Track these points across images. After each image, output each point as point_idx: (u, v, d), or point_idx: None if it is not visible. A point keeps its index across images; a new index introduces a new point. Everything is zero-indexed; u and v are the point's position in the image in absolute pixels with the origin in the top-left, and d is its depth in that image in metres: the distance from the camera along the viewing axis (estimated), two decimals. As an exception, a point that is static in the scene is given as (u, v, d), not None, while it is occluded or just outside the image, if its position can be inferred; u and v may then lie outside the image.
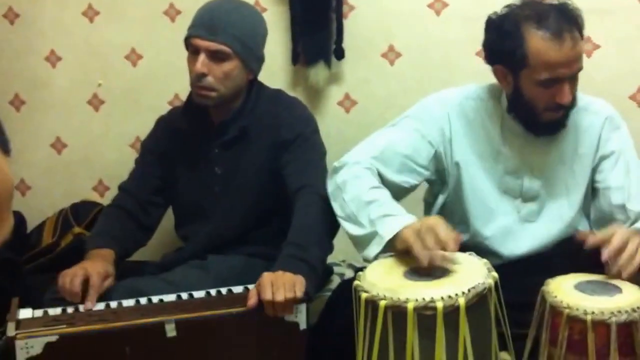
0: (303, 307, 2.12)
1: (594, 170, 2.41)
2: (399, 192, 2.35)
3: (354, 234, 2.20)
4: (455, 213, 2.45)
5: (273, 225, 2.58)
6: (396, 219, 2.10)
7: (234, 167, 2.57)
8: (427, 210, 2.59)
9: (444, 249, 1.93)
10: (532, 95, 2.26)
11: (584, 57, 2.85)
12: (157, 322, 2.05)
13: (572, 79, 2.25)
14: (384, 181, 2.32)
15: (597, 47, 3.05)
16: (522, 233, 2.41)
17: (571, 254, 2.31)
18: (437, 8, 3.16)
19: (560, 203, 2.41)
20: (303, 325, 2.14)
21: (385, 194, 2.24)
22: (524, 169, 2.40)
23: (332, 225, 2.38)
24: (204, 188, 2.61)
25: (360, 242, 2.17)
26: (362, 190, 2.23)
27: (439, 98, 2.47)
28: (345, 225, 2.24)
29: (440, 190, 2.50)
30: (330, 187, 2.34)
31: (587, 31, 2.83)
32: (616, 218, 2.32)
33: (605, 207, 2.37)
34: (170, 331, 2.05)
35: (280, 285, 2.06)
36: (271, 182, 2.55)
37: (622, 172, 2.36)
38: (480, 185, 2.42)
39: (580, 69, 2.25)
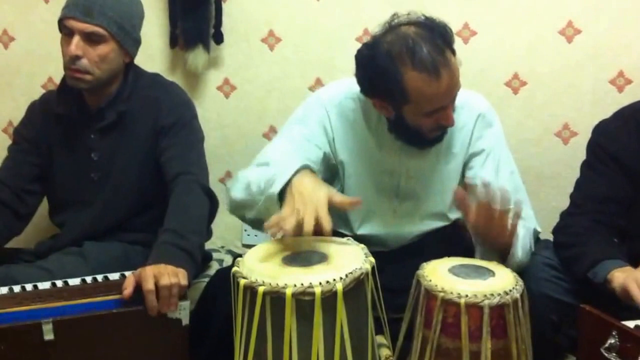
0: (187, 304, 2.13)
1: (465, 167, 2.47)
2: None
3: (256, 218, 2.20)
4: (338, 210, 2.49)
5: (152, 212, 2.58)
6: (280, 176, 2.08)
7: (112, 153, 2.56)
8: None
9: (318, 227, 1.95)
10: (416, 123, 2.29)
11: (462, 42, 2.98)
12: (34, 323, 2.00)
13: (453, 101, 2.29)
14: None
15: (473, 33, 3.13)
16: (398, 231, 2.49)
17: (445, 239, 2.44)
18: (317, -8, 3.18)
19: (435, 201, 2.48)
20: (186, 321, 2.14)
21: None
22: (400, 170, 2.45)
23: (210, 211, 2.42)
24: (80, 174, 2.59)
25: (263, 214, 2.13)
26: (248, 177, 2.23)
27: (319, 98, 2.49)
28: (250, 216, 2.24)
29: (330, 182, 2.50)
30: (227, 206, 2.33)
31: (464, 18, 2.95)
32: None
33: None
34: (48, 333, 2.01)
35: (164, 272, 2.06)
36: (150, 168, 2.55)
37: (491, 170, 2.42)
38: (359, 185, 2.47)
39: (458, 89, 2.27)
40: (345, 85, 2.48)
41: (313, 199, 1.98)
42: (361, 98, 2.43)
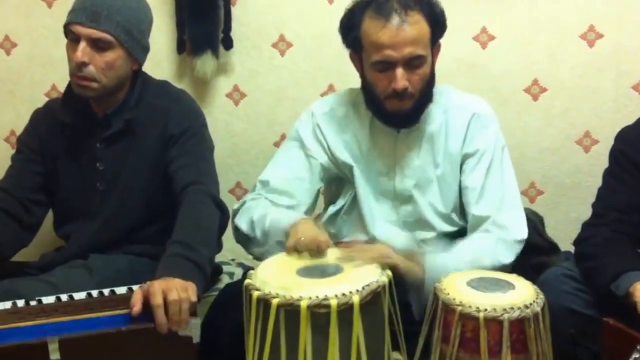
0: (197, 321, 2.12)
1: (461, 169, 2.49)
2: (302, 210, 2.49)
3: (260, 252, 2.37)
4: (352, 214, 2.55)
5: (160, 224, 2.58)
6: (284, 220, 2.26)
7: (118, 162, 2.56)
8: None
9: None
10: (371, 80, 2.37)
11: (480, 47, 2.99)
12: (39, 342, 1.97)
13: (409, 66, 2.32)
14: (285, 207, 2.45)
15: (492, 38, 3.14)
16: (407, 228, 2.50)
17: None
18: (330, -4, 3.18)
19: (435, 201, 2.49)
20: (197, 339, 2.12)
21: (273, 208, 2.42)
22: (395, 169, 2.48)
23: (220, 223, 2.44)
24: (86, 185, 2.59)
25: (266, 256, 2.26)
26: (253, 214, 2.40)
27: (308, 110, 2.60)
28: (254, 251, 2.42)
29: (340, 193, 2.58)
30: (233, 230, 2.50)
31: (482, 22, 2.96)
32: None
33: (466, 208, 2.46)
34: (54, 352, 1.98)
35: (172, 287, 2.04)
36: (158, 179, 2.56)
37: (480, 175, 2.44)
38: (363, 188, 2.51)
39: (416, 55, 2.31)
40: (335, 95, 2.63)
41: (314, 233, 2.14)
42: (353, 101, 2.54)
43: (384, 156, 2.49)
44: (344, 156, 2.50)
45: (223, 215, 2.48)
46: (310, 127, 2.54)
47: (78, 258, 2.54)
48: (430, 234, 2.49)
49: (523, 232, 2.38)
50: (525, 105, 3.15)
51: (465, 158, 2.46)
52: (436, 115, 2.47)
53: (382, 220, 2.50)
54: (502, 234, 2.33)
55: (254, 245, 2.40)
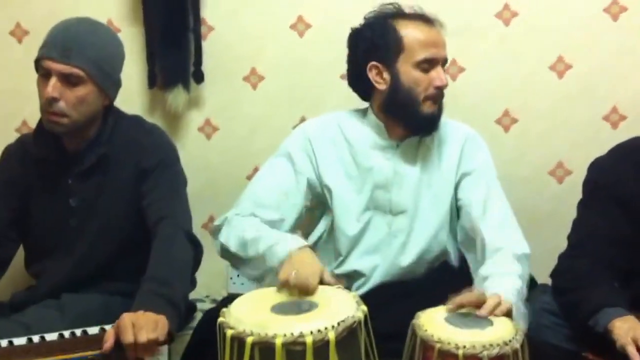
0: (165, 349, 2.11)
1: (457, 187, 2.53)
2: (286, 225, 2.48)
3: (252, 275, 2.37)
4: (330, 241, 2.55)
5: (133, 260, 2.48)
6: (281, 246, 2.23)
7: (91, 198, 2.53)
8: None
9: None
10: (411, 81, 2.43)
11: (450, 79, 3.01)
12: None
13: (443, 67, 2.46)
14: (268, 223, 2.43)
15: (462, 70, 3.16)
16: (391, 249, 2.49)
17: (442, 280, 2.41)
18: (300, 29, 3.21)
19: (427, 218, 2.51)
20: None
21: (266, 228, 2.39)
22: (393, 181, 2.50)
23: (194, 259, 2.42)
24: (58, 221, 2.55)
25: (259, 279, 2.33)
26: (245, 234, 2.36)
27: (301, 128, 2.61)
28: (244, 271, 2.41)
29: (321, 217, 2.59)
30: (217, 247, 2.48)
31: (452, 54, 2.96)
32: (475, 237, 2.42)
33: (466, 224, 2.47)
34: None
35: (143, 325, 2.01)
36: (131, 214, 2.53)
37: (483, 192, 2.47)
38: (349, 206, 2.51)
39: (447, 59, 2.49)
40: (327, 116, 2.63)
41: (308, 273, 2.07)
42: (346, 120, 2.58)
43: (383, 168, 2.50)
44: (330, 175, 2.52)
45: (196, 250, 2.46)
46: (301, 143, 2.55)
47: (50, 297, 2.49)
48: (411, 259, 2.48)
49: (526, 247, 2.38)
50: (497, 136, 3.15)
51: (462, 177, 2.52)
52: (432, 133, 2.52)
53: (373, 231, 2.51)
54: (516, 250, 2.32)
55: (246, 266, 2.39)
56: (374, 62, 2.47)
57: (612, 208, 2.39)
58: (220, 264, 2.44)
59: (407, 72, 2.43)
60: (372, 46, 2.47)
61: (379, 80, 2.48)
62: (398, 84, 2.44)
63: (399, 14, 2.49)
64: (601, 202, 2.42)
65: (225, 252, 2.45)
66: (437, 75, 2.43)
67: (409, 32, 2.43)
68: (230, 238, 2.41)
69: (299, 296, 2.02)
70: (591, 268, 2.33)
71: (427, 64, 2.42)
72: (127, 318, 2.03)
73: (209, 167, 3.29)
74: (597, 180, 2.46)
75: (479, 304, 1.98)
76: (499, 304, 1.98)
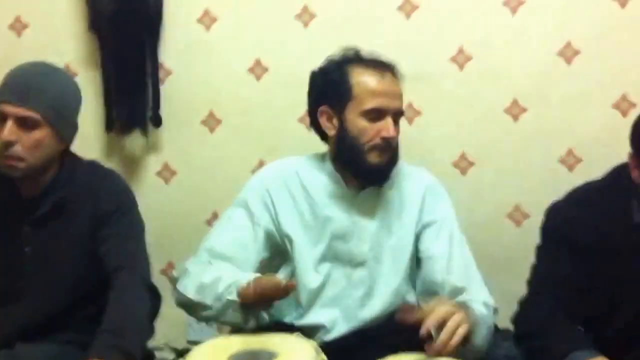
0: None
1: (417, 239, 2.46)
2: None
3: (211, 316, 2.27)
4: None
5: (90, 309, 2.43)
6: (240, 281, 2.18)
7: (47, 245, 2.43)
8: None
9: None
10: (358, 130, 2.36)
11: (407, 123, 2.99)
12: None
13: (395, 118, 2.39)
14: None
15: (418, 113, 3.15)
16: (352, 301, 2.43)
17: (401, 329, 2.30)
18: (258, 73, 3.20)
19: (387, 270, 2.44)
20: None
21: (224, 271, 2.30)
22: (352, 233, 2.44)
23: (152, 308, 2.35)
24: (12, 269, 2.44)
25: (219, 317, 2.24)
26: (202, 278, 2.29)
27: (259, 177, 2.54)
28: (203, 315, 2.31)
29: (280, 267, 2.50)
30: (175, 297, 2.39)
31: (408, 97, 2.94)
32: (438, 290, 2.36)
33: (428, 277, 2.40)
34: None
35: None
36: (88, 261, 2.43)
37: (444, 243, 2.42)
38: (307, 257, 2.44)
39: (401, 111, 2.42)
40: (285, 162, 2.56)
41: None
42: (304, 167, 2.51)
43: (341, 219, 2.44)
44: (289, 225, 2.44)
45: (155, 299, 2.39)
46: (259, 193, 2.47)
47: (4, 347, 2.38)
48: (373, 312, 2.41)
49: (488, 297, 2.36)
50: (455, 179, 3.13)
51: (423, 228, 2.45)
52: (390, 182, 2.47)
53: (332, 284, 2.44)
54: (482, 303, 2.28)
55: (204, 310, 2.28)
56: (324, 107, 2.43)
57: (569, 254, 2.34)
58: (179, 310, 2.36)
59: (354, 120, 2.37)
60: (323, 91, 2.44)
61: (329, 125, 2.44)
62: (345, 132, 2.39)
63: (355, 59, 2.43)
64: (558, 247, 2.38)
65: (183, 300, 2.36)
66: (385, 126, 2.36)
67: (361, 80, 2.37)
68: (188, 286, 2.33)
69: (258, 342, 1.98)
70: (552, 313, 2.28)
71: (375, 114, 2.35)
72: None
73: (168, 212, 3.25)
74: (553, 226, 2.41)
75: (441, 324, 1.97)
76: (457, 326, 1.98)
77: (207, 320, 2.33)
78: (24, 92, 2.31)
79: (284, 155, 2.58)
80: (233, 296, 2.15)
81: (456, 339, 1.96)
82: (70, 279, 2.45)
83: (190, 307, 2.34)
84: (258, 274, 2.21)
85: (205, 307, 2.25)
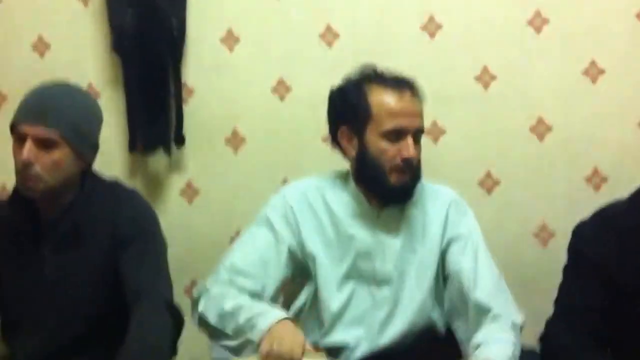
0: None
1: (443, 255, 2.42)
2: (267, 296, 2.36)
3: (230, 346, 2.23)
4: (312, 311, 2.44)
5: (111, 333, 2.35)
6: (262, 318, 2.13)
7: (66, 269, 2.39)
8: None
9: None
10: (377, 151, 2.32)
11: (431, 142, 2.97)
12: None
13: (416, 137, 2.36)
14: (247, 293, 2.32)
15: (443, 132, 3.10)
16: (376, 320, 2.39)
17: (429, 349, 2.34)
18: (282, 92, 3.16)
19: (411, 288, 2.40)
20: None
21: (246, 299, 2.26)
22: (375, 251, 2.40)
23: (175, 329, 2.32)
24: (32, 293, 2.40)
25: (236, 351, 2.20)
26: (224, 305, 2.25)
27: (282, 195, 2.49)
28: (223, 344, 2.27)
29: (303, 286, 2.47)
30: (195, 319, 2.35)
31: (433, 116, 2.96)
32: (465, 308, 2.32)
33: (455, 294, 2.36)
34: None
35: None
36: (109, 284, 2.39)
37: (470, 258, 2.38)
38: (330, 276, 2.40)
39: (422, 129, 2.39)
40: (307, 180, 2.52)
41: (290, 347, 2.02)
42: (327, 184, 2.48)
43: (365, 237, 2.40)
44: (312, 243, 2.40)
45: (177, 320, 2.34)
46: (282, 210, 2.44)
47: None
48: (397, 331, 2.38)
49: (517, 313, 2.31)
50: (480, 199, 3.09)
51: (448, 243, 2.41)
52: (414, 199, 2.43)
53: (355, 303, 2.40)
54: (508, 321, 2.24)
55: (224, 338, 2.25)
56: (343, 128, 2.40)
57: (594, 278, 2.29)
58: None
59: (374, 141, 2.33)
60: (342, 112, 2.41)
61: (349, 146, 2.41)
62: (365, 153, 2.35)
63: (374, 78, 2.39)
64: (583, 271, 2.32)
65: (203, 324, 2.32)
66: (406, 146, 2.32)
67: (379, 100, 2.33)
68: (209, 309, 2.29)
69: None
70: (579, 337, 2.23)
71: (395, 135, 2.32)
72: None
73: (191, 232, 3.21)
74: (579, 249, 2.36)
75: None
76: None
77: (226, 348, 2.28)
78: (43, 112, 2.28)
79: (308, 174, 2.55)
80: (253, 336, 2.12)
81: None
82: (91, 303, 2.42)
83: (211, 332, 2.31)
84: (281, 314, 2.17)
85: (226, 336, 2.22)
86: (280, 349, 1.98)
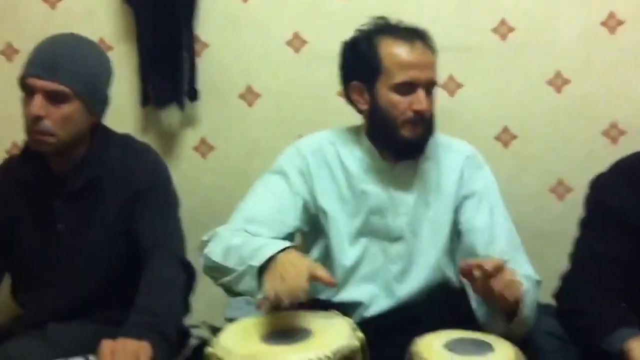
0: None
1: (457, 211, 2.37)
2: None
3: (226, 282, 2.16)
4: (324, 268, 2.35)
5: (125, 287, 2.29)
6: (266, 248, 2.05)
7: (81, 222, 2.36)
8: None
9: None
10: (389, 104, 2.28)
11: (448, 95, 2.90)
12: None
13: (428, 89, 2.30)
14: None
15: (460, 86, 3.05)
16: (390, 276, 2.36)
17: (443, 304, 2.29)
18: (297, 46, 3.10)
19: (426, 243, 2.37)
20: None
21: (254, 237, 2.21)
22: (388, 206, 2.36)
23: (187, 285, 2.30)
24: (45, 247, 2.37)
25: (235, 283, 2.12)
26: (231, 241, 2.20)
27: (297, 147, 2.45)
28: (220, 281, 2.20)
29: (314, 242, 2.44)
30: (202, 261, 2.29)
31: (450, 69, 2.90)
32: None
33: (469, 250, 2.31)
34: None
35: (122, 353, 1.91)
36: (122, 239, 2.37)
37: (486, 214, 2.33)
38: (343, 231, 2.37)
39: (434, 81, 2.32)
40: (322, 134, 2.48)
41: (295, 274, 1.91)
42: (341, 140, 2.43)
43: (378, 193, 2.36)
44: (325, 197, 2.37)
45: (189, 276, 2.33)
46: (297, 162, 2.40)
47: (37, 327, 2.30)
48: (411, 288, 2.34)
49: (532, 272, 2.26)
50: (497, 153, 3.03)
51: (463, 200, 2.36)
52: (428, 154, 2.38)
53: (368, 259, 2.36)
54: (525, 277, 2.18)
55: (225, 274, 2.17)
56: (355, 82, 2.35)
57: (613, 228, 2.25)
58: (217, 288, 2.28)
59: (385, 94, 2.28)
60: (353, 65, 2.37)
61: (361, 100, 2.35)
62: (377, 107, 2.31)
63: (384, 29, 2.33)
64: (602, 222, 2.29)
65: (208, 264, 2.25)
66: (417, 99, 2.26)
67: (390, 52, 2.28)
68: (214, 250, 2.23)
69: (292, 320, 1.89)
70: (596, 290, 2.19)
71: (406, 87, 2.26)
72: (106, 346, 1.93)
73: (205, 187, 3.17)
74: (598, 200, 2.32)
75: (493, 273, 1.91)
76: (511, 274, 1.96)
77: (224, 288, 2.23)
78: (53, 65, 2.22)
79: (323, 129, 2.51)
80: (254, 262, 2.04)
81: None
82: (105, 257, 2.39)
83: (214, 271, 2.24)
84: (287, 243, 2.09)
85: (226, 270, 2.15)
86: (283, 288, 1.88)
